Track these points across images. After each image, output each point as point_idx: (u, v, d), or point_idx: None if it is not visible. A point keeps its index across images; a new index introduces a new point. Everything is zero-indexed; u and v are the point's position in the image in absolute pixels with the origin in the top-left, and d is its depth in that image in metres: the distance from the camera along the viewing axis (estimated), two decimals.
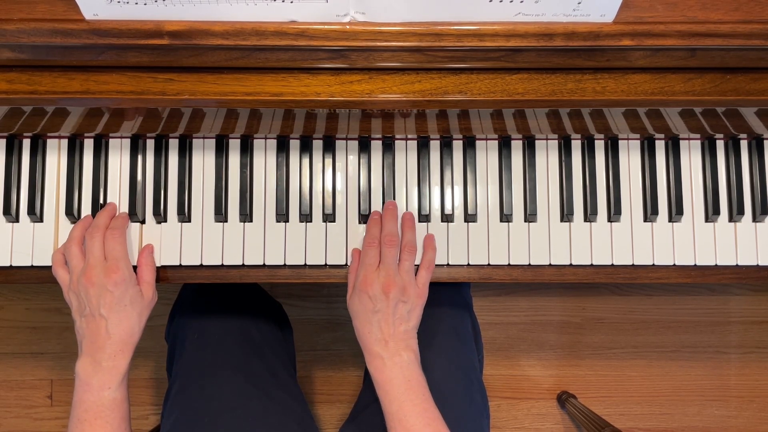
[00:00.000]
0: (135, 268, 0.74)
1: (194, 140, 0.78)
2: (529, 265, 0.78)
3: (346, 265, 0.78)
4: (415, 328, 0.73)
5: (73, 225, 0.76)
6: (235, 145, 0.78)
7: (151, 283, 0.73)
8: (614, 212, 0.78)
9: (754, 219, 0.79)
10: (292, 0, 0.56)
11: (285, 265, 0.78)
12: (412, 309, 0.72)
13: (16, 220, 0.77)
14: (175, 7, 0.56)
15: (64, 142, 0.77)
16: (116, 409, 0.67)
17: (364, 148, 0.79)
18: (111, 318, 0.68)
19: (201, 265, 0.76)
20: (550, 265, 0.78)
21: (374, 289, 0.71)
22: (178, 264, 0.77)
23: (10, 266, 0.76)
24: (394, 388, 0.68)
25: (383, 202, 0.78)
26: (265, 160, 0.78)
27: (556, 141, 0.79)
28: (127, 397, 0.69)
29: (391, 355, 0.70)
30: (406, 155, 0.79)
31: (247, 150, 0.78)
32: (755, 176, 0.78)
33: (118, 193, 0.77)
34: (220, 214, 0.77)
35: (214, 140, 0.78)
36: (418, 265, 0.76)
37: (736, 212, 0.78)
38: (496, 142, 0.79)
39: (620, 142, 0.79)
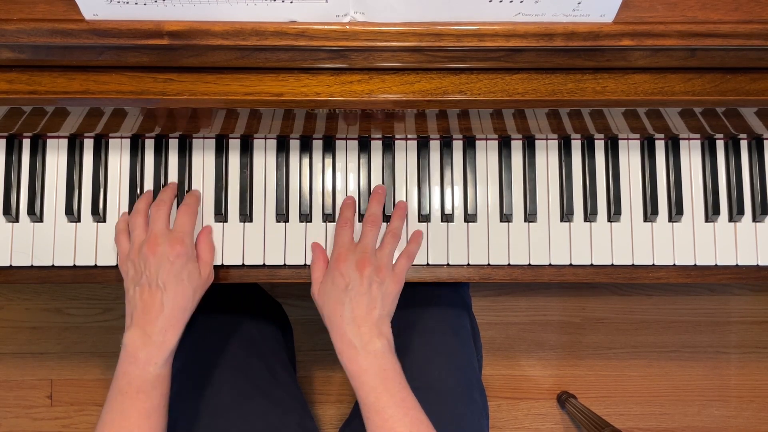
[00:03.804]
0: None
1: (194, 140, 0.78)
2: (529, 265, 0.78)
3: None
4: (390, 315, 0.71)
5: (71, 224, 0.77)
6: (235, 145, 0.78)
7: (209, 263, 0.74)
8: (614, 212, 0.78)
9: (754, 219, 0.79)
10: (292, 0, 0.56)
11: (285, 265, 0.78)
12: (387, 293, 0.70)
13: (16, 220, 0.77)
14: (175, 7, 0.56)
15: (64, 142, 0.77)
16: (159, 386, 0.66)
17: (364, 148, 0.79)
18: (168, 289, 0.67)
19: None
20: (550, 265, 0.78)
21: (347, 265, 0.70)
22: None
23: (10, 266, 0.76)
24: (370, 379, 0.66)
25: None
26: (265, 160, 0.78)
27: (556, 141, 0.79)
28: (170, 375, 0.68)
29: (365, 344, 0.67)
30: (406, 155, 0.79)
31: (247, 150, 0.78)
32: (755, 176, 0.78)
33: (118, 193, 0.77)
34: (220, 214, 0.77)
35: (214, 140, 0.78)
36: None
37: (736, 212, 0.78)
38: (496, 142, 0.79)
39: (620, 142, 0.79)
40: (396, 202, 0.78)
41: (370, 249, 0.71)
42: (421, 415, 0.66)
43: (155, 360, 0.66)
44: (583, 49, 0.60)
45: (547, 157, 0.79)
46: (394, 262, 0.74)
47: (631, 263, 0.78)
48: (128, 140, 0.78)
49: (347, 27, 0.58)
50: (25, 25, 0.57)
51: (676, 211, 0.78)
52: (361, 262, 0.70)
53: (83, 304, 1.45)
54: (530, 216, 0.78)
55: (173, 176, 0.78)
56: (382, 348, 0.67)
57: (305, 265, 0.77)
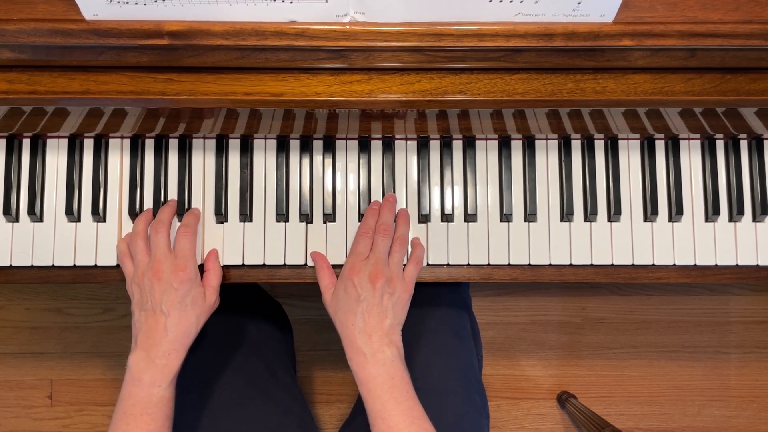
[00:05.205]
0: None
1: (194, 140, 0.78)
2: (529, 265, 0.78)
3: None
4: (400, 324, 0.72)
5: (71, 224, 0.77)
6: (235, 145, 0.78)
7: (215, 288, 0.74)
8: (614, 212, 0.78)
9: (754, 219, 0.79)
10: (292, 0, 0.56)
11: (285, 265, 0.78)
12: (398, 302, 0.72)
13: (16, 220, 0.77)
14: (175, 7, 0.56)
15: (64, 142, 0.77)
16: (163, 407, 0.67)
17: (364, 148, 0.79)
18: (171, 315, 0.68)
19: (201, 266, 0.77)
20: (550, 265, 0.78)
21: (361, 277, 0.70)
22: None
23: (10, 266, 0.76)
24: (378, 386, 0.67)
25: None
26: (265, 160, 0.78)
27: (556, 141, 0.79)
28: (173, 397, 0.69)
29: (374, 352, 0.68)
30: (406, 155, 0.79)
31: (247, 150, 0.78)
32: (755, 176, 0.79)
33: (118, 193, 0.77)
34: (220, 214, 0.77)
35: (214, 140, 0.78)
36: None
37: (736, 212, 0.78)
38: (496, 142, 0.79)
39: (620, 142, 0.79)
40: (398, 209, 0.78)
41: (382, 260, 0.72)
42: (428, 424, 0.67)
43: (159, 383, 0.67)
44: (583, 49, 0.60)
45: (547, 157, 0.79)
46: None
47: (631, 263, 0.78)
48: (128, 140, 0.78)
49: (347, 27, 0.58)
50: (25, 25, 0.57)
51: (676, 211, 0.78)
52: (374, 275, 0.70)
53: (83, 304, 1.45)
54: (530, 216, 0.78)
55: (173, 176, 0.78)
56: (391, 356, 0.68)
57: (305, 265, 0.78)
